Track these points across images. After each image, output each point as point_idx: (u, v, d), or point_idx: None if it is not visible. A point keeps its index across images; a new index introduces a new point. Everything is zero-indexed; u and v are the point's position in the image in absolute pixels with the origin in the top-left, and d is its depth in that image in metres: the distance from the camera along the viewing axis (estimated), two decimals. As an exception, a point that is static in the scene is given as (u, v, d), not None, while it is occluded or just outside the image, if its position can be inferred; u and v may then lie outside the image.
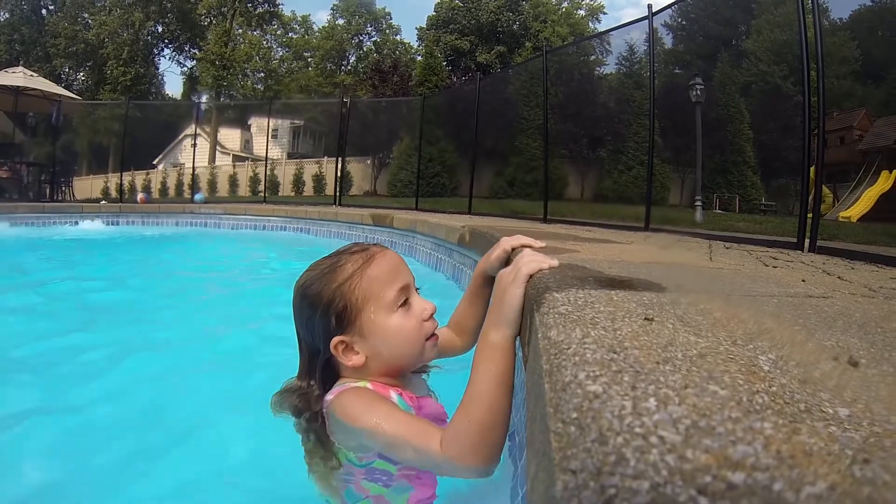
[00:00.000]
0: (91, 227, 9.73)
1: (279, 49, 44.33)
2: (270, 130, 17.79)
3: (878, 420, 0.45)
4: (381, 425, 1.02)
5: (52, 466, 1.65)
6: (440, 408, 1.26)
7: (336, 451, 1.15)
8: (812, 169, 4.81)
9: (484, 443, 0.91)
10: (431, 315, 1.21)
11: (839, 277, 2.08)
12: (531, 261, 1.08)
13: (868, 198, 12.56)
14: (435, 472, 1.13)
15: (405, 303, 1.18)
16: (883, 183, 12.68)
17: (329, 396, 1.15)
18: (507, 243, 1.36)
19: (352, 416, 1.07)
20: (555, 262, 1.13)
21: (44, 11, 36.61)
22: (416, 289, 1.24)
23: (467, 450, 0.90)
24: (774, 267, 2.38)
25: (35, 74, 14.97)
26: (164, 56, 40.22)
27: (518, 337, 1.01)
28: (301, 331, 1.23)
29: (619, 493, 0.35)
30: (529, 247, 1.32)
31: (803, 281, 1.66)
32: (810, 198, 4.72)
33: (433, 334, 1.23)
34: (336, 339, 1.15)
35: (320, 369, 1.20)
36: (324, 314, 1.15)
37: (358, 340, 1.16)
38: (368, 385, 1.16)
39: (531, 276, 1.04)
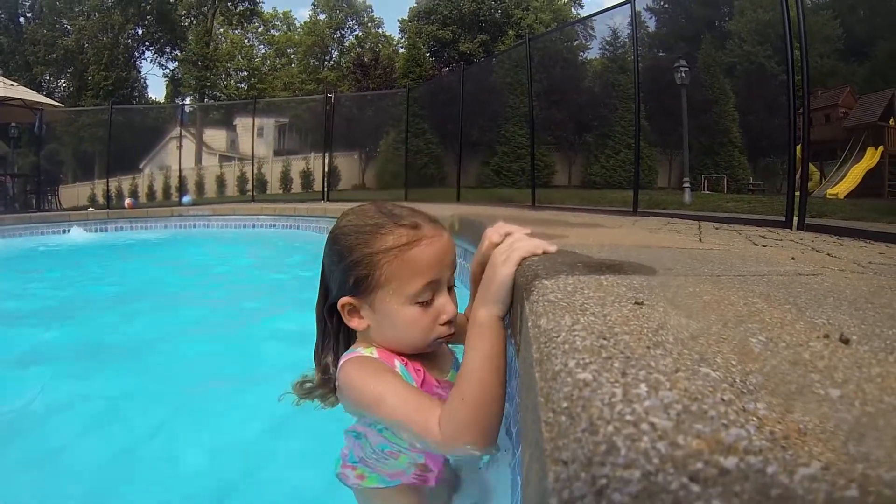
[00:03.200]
0: (79, 234, 9.62)
1: (261, 47, 44.02)
2: (256, 129, 17.66)
3: (871, 399, 0.45)
4: (382, 401, 1.03)
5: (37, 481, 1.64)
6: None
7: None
8: (798, 147, 4.84)
9: (478, 421, 0.91)
10: (448, 321, 1.15)
11: (828, 254, 2.09)
12: (527, 244, 1.04)
13: (854, 174, 12.64)
14: (434, 452, 1.12)
15: (429, 301, 1.13)
16: (869, 159, 12.77)
17: (340, 363, 1.17)
18: (493, 235, 1.23)
19: (354, 388, 1.10)
20: (551, 248, 1.08)
21: (21, 19, 35.97)
22: (452, 286, 1.18)
23: (462, 428, 0.91)
24: (764, 246, 2.38)
25: (15, 84, 14.77)
26: (145, 59, 39.66)
27: (510, 327, 0.99)
28: (325, 267, 1.22)
29: (610, 482, 0.34)
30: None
31: (793, 259, 1.66)
32: (797, 176, 4.75)
33: (445, 335, 1.17)
34: (345, 300, 1.14)
35: (327, 310, 1.22)
36: (345, 270, 1.13)
37: (367, 310, 1.15)
38: (375, 353, 1.15)
39: (524, 259, 1.01)
